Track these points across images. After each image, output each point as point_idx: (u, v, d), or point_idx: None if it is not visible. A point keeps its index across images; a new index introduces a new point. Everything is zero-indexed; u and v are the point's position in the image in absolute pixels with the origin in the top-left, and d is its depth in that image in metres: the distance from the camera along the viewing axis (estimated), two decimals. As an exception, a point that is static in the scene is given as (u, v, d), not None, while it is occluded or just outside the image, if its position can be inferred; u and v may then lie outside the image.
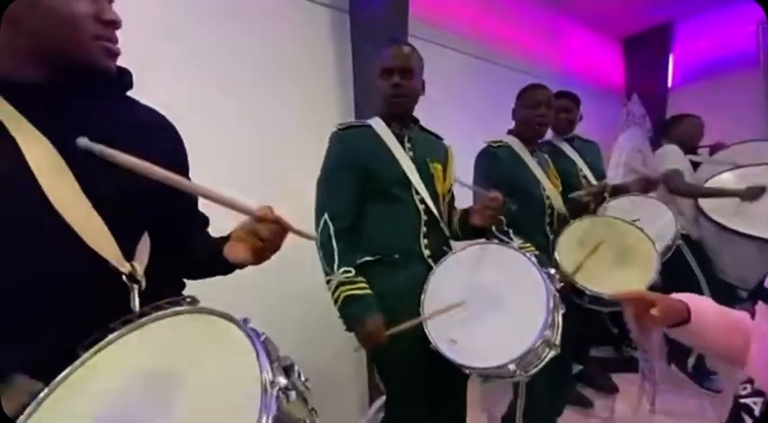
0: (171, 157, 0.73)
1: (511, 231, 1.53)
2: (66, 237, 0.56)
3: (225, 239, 0.72)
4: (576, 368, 2.25)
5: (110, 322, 0.56)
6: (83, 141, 0.46)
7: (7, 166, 0.55)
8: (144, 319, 0.56)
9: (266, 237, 0.62)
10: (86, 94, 0.65)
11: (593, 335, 2.64)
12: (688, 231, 2.25)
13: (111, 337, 0.55)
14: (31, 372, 0.51)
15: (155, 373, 0.50)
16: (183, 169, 0.78)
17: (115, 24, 0.64)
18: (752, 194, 1.96)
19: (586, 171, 2.07)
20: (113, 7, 0.66)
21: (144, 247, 0.65)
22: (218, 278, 0.81)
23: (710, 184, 2.24)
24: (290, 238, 0.66)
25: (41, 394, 0.49)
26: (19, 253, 0.56)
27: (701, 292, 2.21)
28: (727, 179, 2.18)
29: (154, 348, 0.53)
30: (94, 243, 0.58)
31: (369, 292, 1.11)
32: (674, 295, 0.80)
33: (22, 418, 0.47)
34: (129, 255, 0.62)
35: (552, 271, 1.06)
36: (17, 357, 0.53)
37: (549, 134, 2.14)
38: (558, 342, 0.99)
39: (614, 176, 3.40)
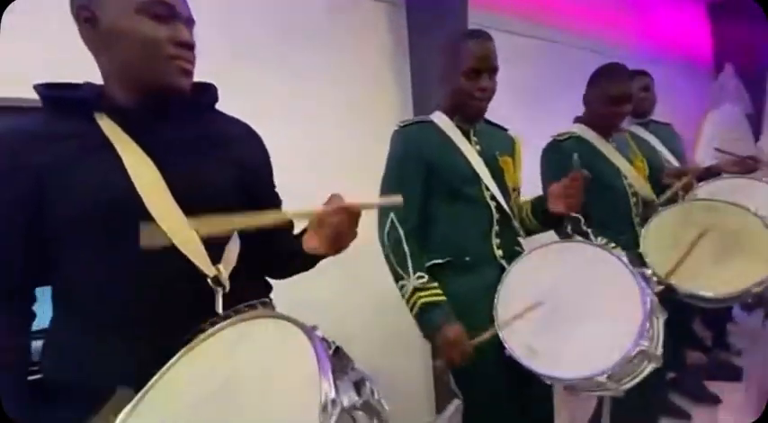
0: (254, 161, 0.81)
1: (590, 231, 1.37)
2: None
3: (300, 234, 0.78)
4: (669, 375, 2.03)
5: (201, 322, 0.62)
6: None
7: (116, 182, 0.63)
8: (225, 322, 0.59)
9: (332, 225, 0.67)
10: (175, 114, 0.72)
11: (686, 337, 2.37)
12: None
13: (202, 336, 0.59)
14: (141, 360, 0.57)
15: (225, 376, 0.52)
16: (265, 171, 0.86)
17: (189, 46, 0.68)
18: None
19: (668, 156, 1.89)
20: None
21: (233, 250, 0.70)
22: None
23: None
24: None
25: (148, 385, 0.54)
26: (121, 256, 0.63)
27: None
28: None
29: (228, 352, 0.55)
30: (185, 248, 0.64)
31: (443, 298, 1.07)
32: None
33: (136, 398, 0.53)
34: (216, 258, 0.67)
35: (648, 272, 0.94)
36: (127, 348, 0.61)
37: None
38: (659, 353, 0.87)
39: (703, 160, 3.06)
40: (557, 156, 1.49)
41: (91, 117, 0.66)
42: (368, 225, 1.24)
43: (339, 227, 0.66)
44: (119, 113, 0.67)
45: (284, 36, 1.78)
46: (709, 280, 1.25)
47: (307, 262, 0.79)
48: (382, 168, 1.22)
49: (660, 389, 1.86)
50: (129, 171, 0.64)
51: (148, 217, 0.63)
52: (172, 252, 0.63)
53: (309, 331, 0.49)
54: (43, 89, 0.67)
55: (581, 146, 1.50)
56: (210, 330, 0.59)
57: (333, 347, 0.50)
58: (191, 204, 0.65)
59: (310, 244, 0.72)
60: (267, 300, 0.79)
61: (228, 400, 0.49)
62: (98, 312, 0.65)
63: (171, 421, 0.50)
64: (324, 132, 1.85)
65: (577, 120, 1.61)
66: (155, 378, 0.55)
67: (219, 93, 0.79)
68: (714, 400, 2.05)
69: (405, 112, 2.03)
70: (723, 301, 1.28)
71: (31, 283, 0.69)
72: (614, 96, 1.45)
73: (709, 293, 1.22)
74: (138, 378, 0.56)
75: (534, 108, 2.43)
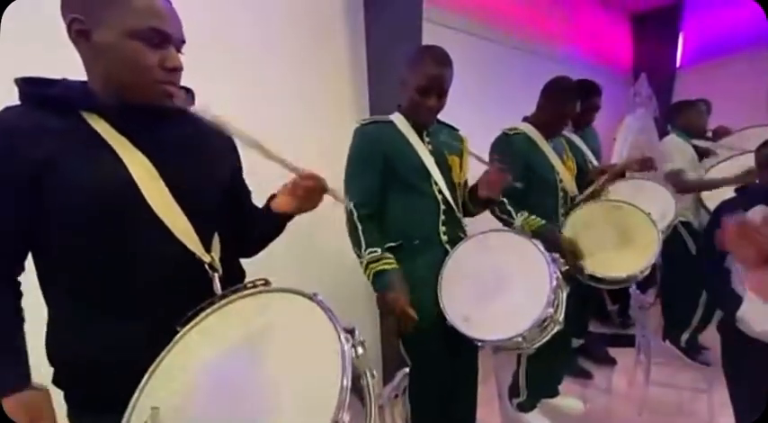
0: (228, 158, 0.88)
1: (512, 210, 1.62)
2: (162, 234, 0.70)
3: (270, 200, 0.91)
4: (578, 342, 2.40)
5: (197, 303, 0.69)
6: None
7: (117, 178, 0.67)
8: (234, 296, 0.69)
9: (305, 187, 0.82)
10: (159, 116, 0.74)
11: (592, 312, 2.79)
12: (689, 220, 2.34)
13: (209, 310, 0.68)
14: (146, 342, 0.64)
15: (252, 339, 0.63)
16: (238, 167, 0.92)
17: (177, 70, 0.71)
18: (739, 181, 1.93)
19: (591, 157, 2.18)
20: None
21: (216, 241, 0.79)
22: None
23: (712, 173, 2.31)
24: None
25: (157, 359, 0.63)
26: (125, 247, 0.69)
27: (699, 279, 2.31)
28: (725, 168, 2.24)
29: (249, 320, 0.66)
30: (183, 237, 0.71)
31: (393, 266, 1.22)
32: None
33: (146, 376, 0.61)
34: (207, 247, 0.75)
35: (557, 255, 1.17)
36: (132, 330, 0.68)
37: None
38: (561, 319, 1.11)
39: (620, 158, 3.47)
40: (503, 148, 1.69)
41: (77, 114, 0.68)
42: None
43: (309, 190, 0.81)
44: (108, 113, 0.69)
45: (240, 23, 1.75)
46: (609, 265, 1.57)
47: (274, 225, 0.90)
48: (334, 159, 1.31)
49: (568, 353, 2.21)
50: (128, 166, 0.68)
51: (147, 208, 0.68)
52: (169, 241, 0.70)
53: (314, 297, 0.64)
54: (27, 85, 0.67)
55: (527, 142, 1.72)
56: (239, 294, 0.69)
57: (329, 308, 0.64)
58: (181, 198, 0.72)
59: (280, 204, 0.85)
60: (266, 279, 0.84)
61: (262, 344, 0.62)
62: (104, 296, 0.69)
63: (214, 360, 0.61)
64: (277, 122, 1.84)
65: (526, 119, 1.80)
66: (168, 347, 0.63)
67: None
68: (611, 362, 2.47)
69: (359, 103, 2.09)
70: (616, 283, 1.61)
71: (19, 272, 0.71)
72: (566, 114, 1.70)
73: (608, 275, 1.56)
74: (150, 353, 0.62)
75: (477, 103, 2.62)
